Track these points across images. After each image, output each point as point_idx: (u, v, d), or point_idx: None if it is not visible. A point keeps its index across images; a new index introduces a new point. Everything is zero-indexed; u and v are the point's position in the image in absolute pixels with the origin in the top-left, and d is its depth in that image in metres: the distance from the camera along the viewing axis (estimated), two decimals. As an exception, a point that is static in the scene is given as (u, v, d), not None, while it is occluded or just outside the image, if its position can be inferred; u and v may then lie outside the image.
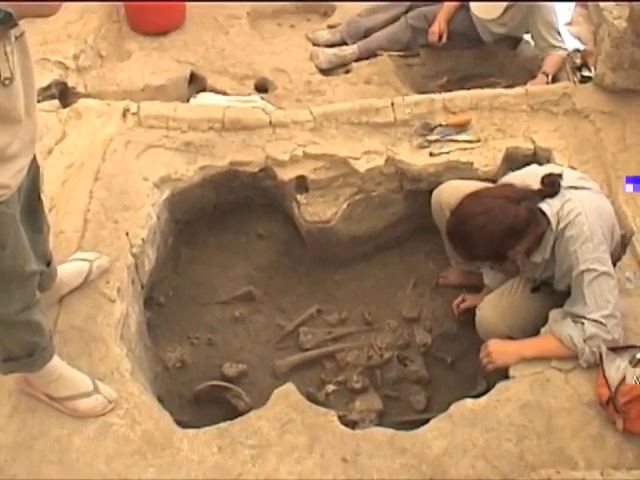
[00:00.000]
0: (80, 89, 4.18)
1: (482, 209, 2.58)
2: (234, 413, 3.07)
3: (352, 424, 3.02)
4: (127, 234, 3.10)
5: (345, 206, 3.50)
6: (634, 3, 3.13)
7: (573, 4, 4.75)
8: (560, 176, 2.71)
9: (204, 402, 3.18)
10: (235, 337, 3.46)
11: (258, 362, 3.37)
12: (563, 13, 4.57)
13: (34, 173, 2.38)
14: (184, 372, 3.30)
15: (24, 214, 2.28)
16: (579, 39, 4.43)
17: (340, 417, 2.98)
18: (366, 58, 4.64)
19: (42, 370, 2.48)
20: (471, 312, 3.22)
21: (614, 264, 2.76)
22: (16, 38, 1.93)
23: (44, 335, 2.43)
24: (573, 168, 3.24)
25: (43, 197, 3.18)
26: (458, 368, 3.34)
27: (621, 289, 2.66)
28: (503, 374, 2.72)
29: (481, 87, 4.31)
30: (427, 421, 2.94)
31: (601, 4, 3.37)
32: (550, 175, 2.72)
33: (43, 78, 3.99)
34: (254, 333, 3.48)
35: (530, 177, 2.77)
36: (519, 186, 2.69)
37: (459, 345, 3.39)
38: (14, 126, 2.01)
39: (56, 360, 2.52)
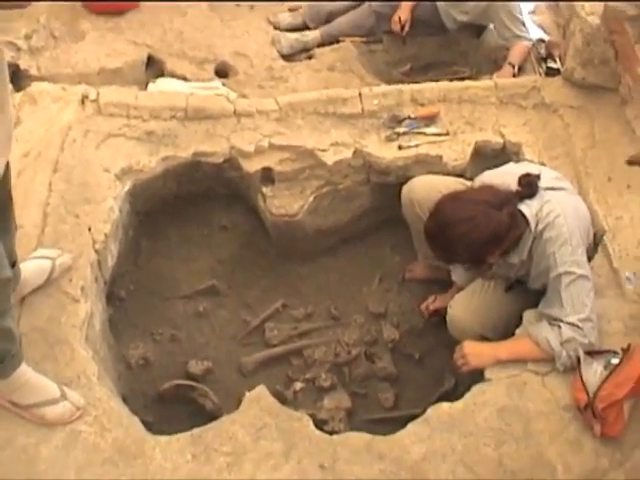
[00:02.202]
0: (33, 71, 4.02)
1: (465, 215, 2.53)
2: (201, 412, 3.04)
3: (321, 423, 3.00)
4: (90, 229, 2.99)
5: (311, 199, 3.43)
6: (609, 2, 3.12)
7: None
8: (538, 177, 2.68)
9: (169, 401, 3.11)
10: (199, 333, 3.38)
11: (224, 359, 3.31)
12: (526, 2, 4.55)
13: (5, 172, 2.26)
14: (148, 370, 3.22)
15: None
16: (542, 28, 4.42)
17: (309, 416, 2.97)
18: (329, 44, 4.58)
19: (8, 377, 2.38)
20: (440, 313, 3.22)
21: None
22: None
23: (14, 342, 2.34)
24: (543, 164, 3.23)
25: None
26: (426, 364, 3.33)
27: (595, 291, 2.65)
28: (475, 374, 2.71)
29: (445, 75, 4.32)
30: (396, 419, 2.97)
31: (573, -2, 3.35)
32: (528, 175, 2.69)
33: (-7, 60, 3.81)
34: (219, 328, 3.41)
35: (508, 177, 2.74)
36: (499, 188, 2.65)
37: (427, 341, 3.38)
38: None
39: (22, 366, 2.42)
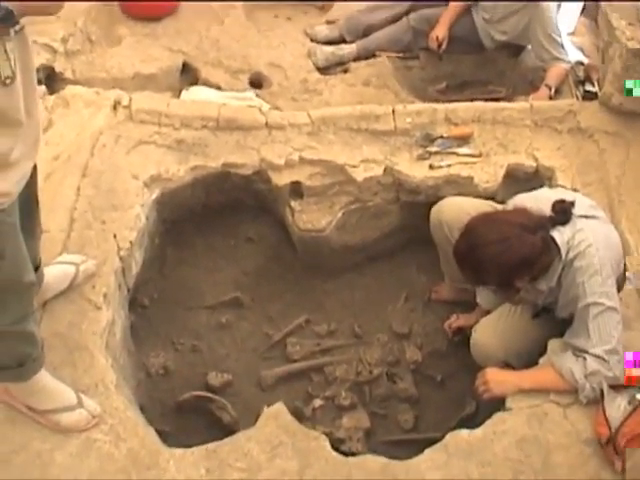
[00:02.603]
0: (68, 75, 4.03)
1: (498, 237, 2.48)
2: (218, 425, 3.03)
3: (338, 442, 2.97)
4: (115, 236, 2.99)
5: (340, 215, 3.41)
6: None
7: (578, 14, 4.66)
8: (572, 204, 2.63)
9: (187, 412, 3.09)
10: (220, 344, 3.37)
11: (243, 372, 3.28)
12: (566, 23, 4.49)
13: (32, 174, 2.26)
14: (167, 379, 3.20)
15: (21, 219, 2.16)
16: (582, 50, 4.35)
17: (326, 434, 2.93)
18: (365, 58, 4.54)
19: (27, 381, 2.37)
20: (464, 332, 3.18)
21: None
22: (15, 33, 1.80)
23: (36, 345, 2.33)
24: (576, 189, 3.18)
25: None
26: (448, 387, 3.28)
27: (623, 322, 2.59)
28: (497, 400, 2.66)
29: (480, 94, 4.27)
30: (415, 441, 2.92)
31: (614, 23, 3.28)
32: (562, 202, 2.63)
33: (29, 62, 3.83)
34: (240, 341, 3.39)
35: (542, 201, 2.68)
36: (534, 212, 2.60)
37: (449, 363, 3.33)
38: (16, 129, 1.90)
39: (41, 371, 2.41)
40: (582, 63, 4.10)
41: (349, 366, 3.29)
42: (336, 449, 2.84)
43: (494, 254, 2.47)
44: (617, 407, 2.41)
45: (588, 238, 2.56)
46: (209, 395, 3.08)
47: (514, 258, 2.48)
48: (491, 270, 2.52)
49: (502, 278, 2.56)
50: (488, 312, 3.02)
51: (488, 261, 2.49)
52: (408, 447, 2.78)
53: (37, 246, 2.51)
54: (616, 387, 2.47)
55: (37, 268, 2.53)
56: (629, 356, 2.49)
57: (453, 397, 3.22)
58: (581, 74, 3.99)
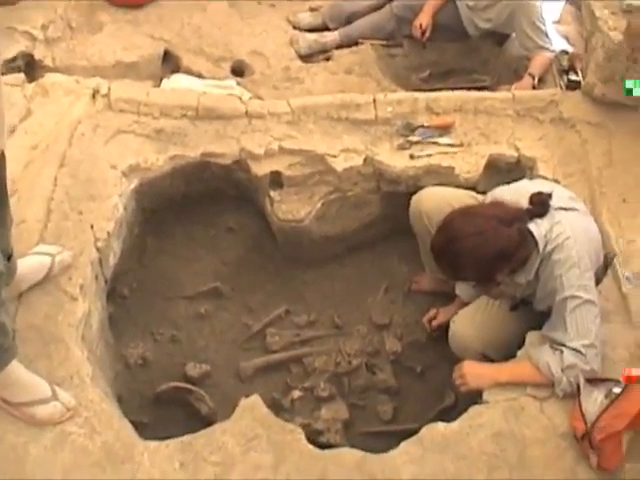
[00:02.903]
0: (48, 62, 3.99)
1: (474, 230, 2.47)
2: (197, 416, 3.01)
3: (317, 433, 2.96)
4: (92, 227, 2.96)
5: (319, 205, 3.38)
6: (632, 17, 3.03)
7: (563, 2, 4.64)
8: (550, 196, 2.62)
9: (165, 403, 3.08)
10: (200, 335, 3.35)
11: (222, 362, 3.27)
12: (551, 11, 4.47)
13: (0, 163, 2.24)
14: (146, 370, 3.19)
15: None
16: (567, 39, 4.34)
17: (305, 426, 2.93)
18: (348, 46, 4.51)
19: (-1, 373, 2.36)
20: (444, 326, 3.17)
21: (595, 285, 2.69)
22: None
23: (7, 336, 2.31)
24: (557, 180, 3.17)
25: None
26: (427, 378, 3.27)
27: (601, 316, 2.58)
28: (476, 392, 2.65)
29: (464, 83, 4.25)
30: (394, 433, 2.92)
31: (597, 12, 3.26)
32: (540, 194, 2.62)
33: (8, 49, 3.80)
34: (219, 332, 3.37)
35: (520, 194, 2.67)
36: (510, 205, 2.59)
37: (429, 355, 3.32)
38: None
39: (14, 363, 2.40)
40: (566, 52, 4.07)
41: (328, 357, 3.28)
42: (314, 440, 2.85)
43: (470, 248, 2.46)
44: (593, 401, 2.41)
45: (566, 231, 2.55)
46: (187, 386, 3.07)
47: (491, 251, 2.47)
48: (468, 264, 2.51)
49: (480, 272, 2.56)
50: (467, 304, 3.02)
51: (465, 255, 2.49)
52: (387, 438, 2.77)
53: (7, 235, 2.48)
54: (593, 381, 2.47)
55: (9, 258, 2.51)
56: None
57: (433, 388, 3.21)
58: (565, 63, 3.96)
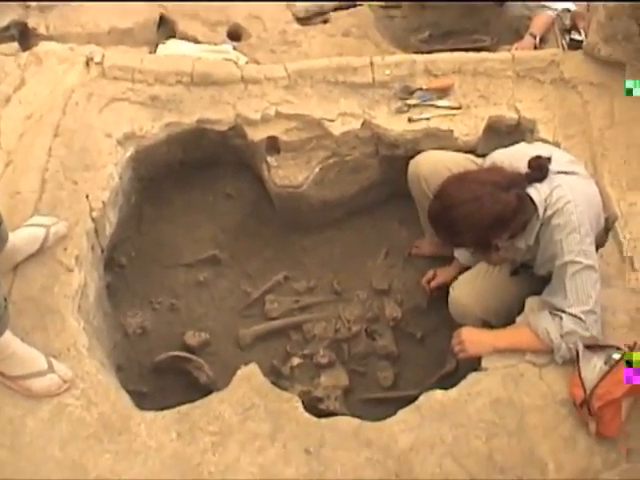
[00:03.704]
0: (42, 30, 3.95)
1: (470, 196, 2.43)
2: (196, 385, 3.02)
3: (316, 400, 2.97)
4: (87, 197, 2.93)
5: (317, 170, 3.34)
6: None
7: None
8: (549, 160, 2.58)
9: (165, 372, 3.08)
10: (198, 303, 3.35)
11: (222, 330, 3.28)
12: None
13: None
14: (145, 339, 3.20)
15: None
16: (569, -4, 4.25)
17: (304, 393, 2.93)
18: (346, 8, 4.43)
19: (-6, 345, 2.35)
20: (443, 288, 3.14)
21: (596, 250, 2.65)
22: None
23: None
24: (557, 142, 3.12)
25: (0, 150, 3.04)
26: (428, 344, 3.27)
27: (602, 280, 2.55)
28: (476, 359, 2.63)
29: (464, 44, 4.17)
30: (394, 399, 2.91)
31: (597, -30, 3.19)
32: (538, 158, 2.58)
33: (2, 17, 3.77)
34: (218, 299, 3.37)
35: (518, 157, 2.63)
36: (507, 169, 2.55)
37: (429, 320, 3.31)
38: None
39: (9, 336, 2.40)
40: (569, 10, 4.00)
41: (328, 323, 3.28)
42: (314, 408, 2.86)
43: (467, 214, 2.43)
44: (592, 368, 2.38)
45: (566, 195, 2.51)
46: (186, 355, 3.07)
47: (487, 217, 2.43)
48: (464, 230, 2.48)
49: (477, 238, 2.52)
50: (467, 267, 2.99)
51: (461, 221, 2.45)
52: (387, 405, 2.76)
53: None
54: (592, 347, 2.44)
55: None
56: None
57: (433, 354, 3.21)
58: (567, 22, 3.90)
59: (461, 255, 3.09)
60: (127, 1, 4.15)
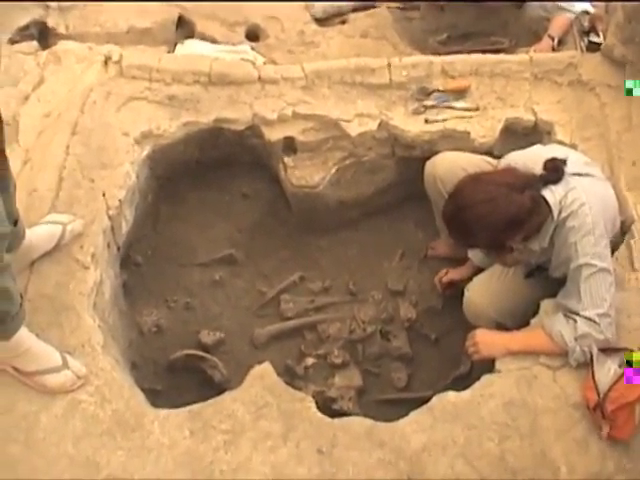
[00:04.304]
0: (61, 30, 3.97)
1: (484, 197, 2.43)
2: (210, 383, 3.03)
3: (330, 401, 2.97)
4: (104, 195, 2.95)
5: (334, 171, 3.35)
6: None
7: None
8: (564, 162, 2.56)
9: (179, 370, 3.09)
10: (214, 302, 3.36)
11: (237, 329, 3.28)
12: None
13: None
14: (160, 337, 3.21)
15: None
16: (589, -1, 4.22)
17: (318, 393, 2.94)
18: (364, 9, 4.43)
19: (10, 342, 2.36)
20: (456, 287, 3.15)
21: (612, 252, 2.63)
22: None
23: (14, 302, 2.30)
24: (574, 145, 3.11)
25: (18, 148, 3.07)
26: (442, 345, 3.26)
27: (616, 283, 2.54)
28: (490, 360, 2.62)
29: (483, 45, 4.16)
30: (407, 400, 2.91)
31: (616, -28, 3.17)
32: (554, 160, 2.57)
33: (22, 17, 3.80)
34: (234, 298, 3.38)
35: (534, 159, 2.62)
36: (522, 171, 2.55)
37: (444, 322, 3.31)
38: None
39: (25, 332, 2.41)
40: (588, 12, 3.97)
41: (342, 324, 3.28)
42: (328, 408, 2.87)
43: (480, 215, 2.42)
44: (607, 371, 2.37)
45: (581, 197, 2.49)
46: (201, 354, 3.07)
47: (501, 218, 2.43)
48: (478, 231, 2.47)
49: (490, 239, 2.51)
50: (480, 268, 2.99)
51: (475, 222, 2.45)
52: (401, 406, 2.75)
53: (12, 200, 2.47)
54: (607, 351, 2.43)
55: (16, 223, 2.52)
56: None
57: (447, 356, 3.20)
58: (586, 24, 3.88)
59: (475, 256, 3.09)
60: (145, 1, 4.17)
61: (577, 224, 2.48)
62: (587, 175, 2.62)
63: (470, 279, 2.98)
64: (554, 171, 2.55)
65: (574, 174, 2.57)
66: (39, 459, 2.30)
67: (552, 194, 2.51)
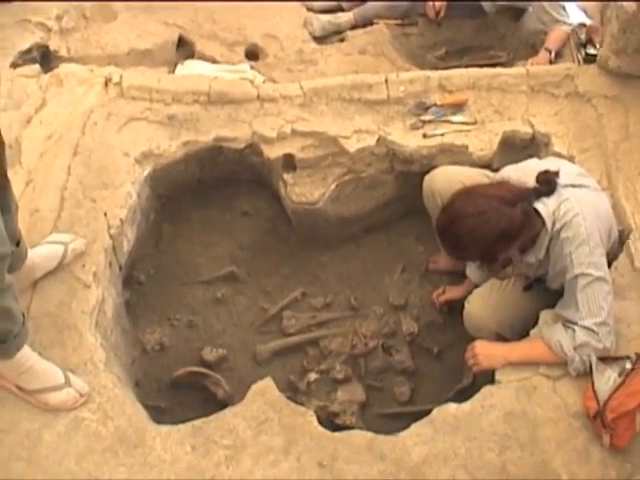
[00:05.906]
0: (63, 53, 4.02)
1: (475, 210, 2.45)
2: (213, 400, 3.03)
3: (333, 415, 2.97)
4: (105, 214, 2.98)
5: (333, 187, 3.37)
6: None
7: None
8: (557, 174, 2.58)
9: (182, 387, 3.10)
10: (216, 319, 3.37)
11: (239, 346, 3.29)
12: (569, -17, 4.39)
13: None
14: (163, 355, 3.22)
15: None
16: (585, 12, 4.24)
17: (321, 408, 2.94)
18: (362, 26, 4.47)
19: (13, 360, 2.39)
20: (454, 304, 3.16)
21: (610, 263, 2.65)
22: None
23: (16, 321, 2.32)
24: (572, 157, 3.13)
25: (21, 169, 3.11)
26: (444, 359, 3.26)
27: (616, 292, 2.55)
28: (492, 372, 2.63)
29: (481, 60, 4.19)
30: (410, 414, 2.91)
31: (610, -16, 3.20)
32: (546, 172, 2.59)
33: (24, 41, 3.84)
34: (236, 316, 3.39)
35: (528, 173, 2.64)
36: (515, 184, 2.57)
37: (446, 335, 3.31)
38: None
39: (27, 351, 2.43)
40: (584, 25, 4.00)
41: (345, 339, 3.28)
42: (331, 422, 2.87)
43: (470, 228, 2.45)
44: (606, 380, 2.37)
45: (574, 208, 2.51)
46: (203, 370, 3.08)
47: (492, 231, 2.44)
48: (469, 244, 2.49)
49: (482, 252, 2.54)
50: (477, 285, 3.00)
51: (466, 235, 2.47)
52: (404, 420, 2.74)
53: (13, 222, 2.50)
54: (606, 359, 2.44)
55: (18, 243, 2.55)
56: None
57: (450, 369, 3.19)
58: (583, 36, 3.90)
59: (472, 273, 3.10)
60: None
61: (571, 235, 2.49)
62: (581, 186, 2.63)
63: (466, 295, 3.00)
64: (546, 184, 2.57)
65: (567, 185, 2.58)
66: (42, 476, 2.32)
67: (545, 206, 2.53)
